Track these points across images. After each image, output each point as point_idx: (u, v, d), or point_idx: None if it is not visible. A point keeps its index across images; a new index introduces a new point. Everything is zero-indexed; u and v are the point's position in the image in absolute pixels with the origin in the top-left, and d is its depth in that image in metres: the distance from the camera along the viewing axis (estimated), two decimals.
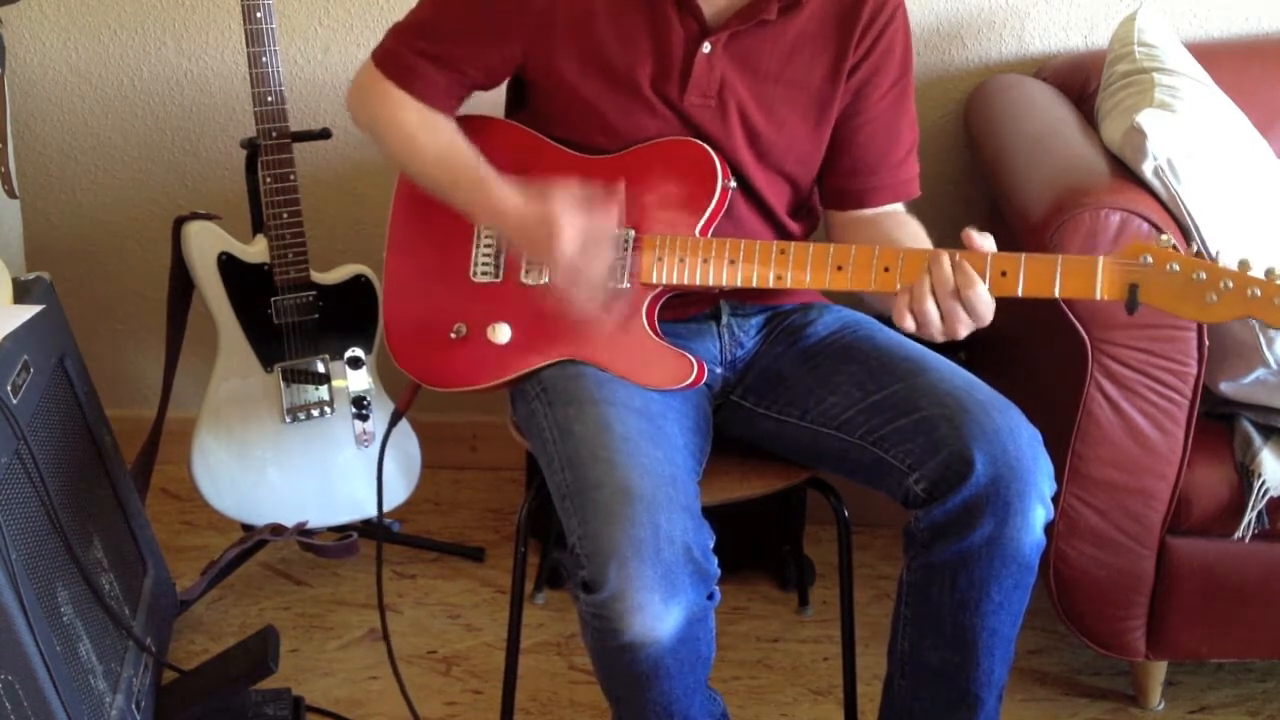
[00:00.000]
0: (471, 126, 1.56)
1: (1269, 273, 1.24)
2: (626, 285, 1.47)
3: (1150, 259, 1.27)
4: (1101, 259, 1.29)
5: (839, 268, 1.40)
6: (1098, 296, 1.30)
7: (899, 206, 1.59)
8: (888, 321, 1.61)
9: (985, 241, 1.33)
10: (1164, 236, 1.29)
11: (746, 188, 1.53)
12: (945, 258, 1.32)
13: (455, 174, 1.51)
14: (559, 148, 1.53)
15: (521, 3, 1.47)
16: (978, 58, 2.23)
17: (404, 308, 1.60)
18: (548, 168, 1.52)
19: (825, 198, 1.60)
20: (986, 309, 1.32)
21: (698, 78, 1.47)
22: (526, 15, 1.47)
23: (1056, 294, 1.31)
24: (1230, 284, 1.25)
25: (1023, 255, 1.32)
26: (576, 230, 1.38)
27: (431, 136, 1.53)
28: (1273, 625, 1.74)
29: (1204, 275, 1.26)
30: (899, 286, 1.36)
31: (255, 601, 2.13)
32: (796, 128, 1.52)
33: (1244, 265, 1.25)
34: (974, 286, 1.31)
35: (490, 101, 1.62)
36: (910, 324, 1.35)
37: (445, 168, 1.52)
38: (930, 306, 1.32)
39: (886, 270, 1.37)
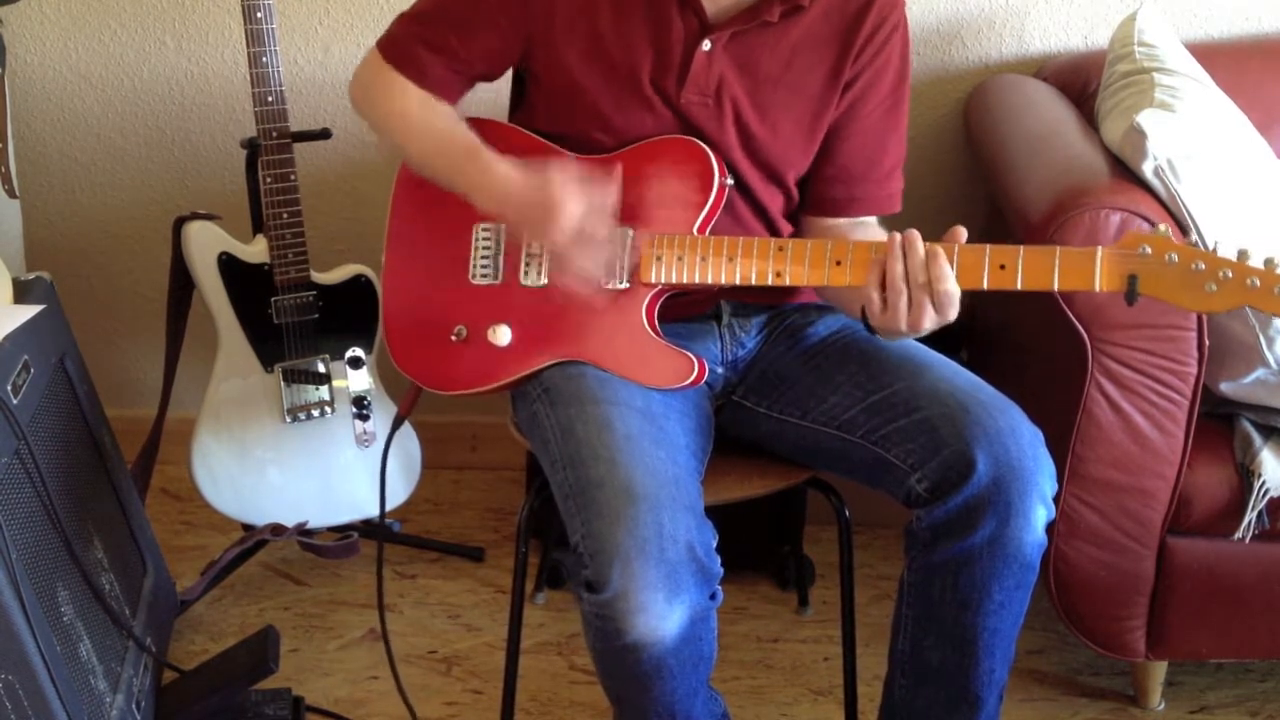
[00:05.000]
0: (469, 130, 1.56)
1: (1268, 262, 1.24)
2: (626, 285, 1.47)
3: (1149, 249, 1.27)
4: (1100, 250, 1.29)
5: (838, 263, 1.39)
6: (1096, 288, 1.29)
7: (874, 219, 1.59)
8: None
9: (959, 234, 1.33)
10: (1161, 226, 1.29)
11: (742, 188, 1.53)
12: (920, 246, 1.32)
13: (455, 158, 1.50)
14: (556, 148, 1.53)
15: None
16: (978, 58, 2.23)
17: (404, 312, 1.60)
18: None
19: (805, 202, 1.59)
20: (953, 306, 1.32)
21: (696, 75, 1.47)
22: (529, 5, 1.47)
23: (1055, 286, 1.30)
24: (1229, 274, 1.25)
25: (1021, 248, 1.31)
26: (576, 208, 1.38)
27: (432, 121, 1.53)
28: (1273, 625, 1.74)
29: (1203, 265, 1.26)
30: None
31: (255, 601, 2.13)
32: (790, 132, 1.52)
33: (1243, 255, 1.25)
34: (945, 281, 1.30)
35: (491, 103, 1.62)
36: (877, 301, 1.34)
37: (445, 153, 1.51)
38: (902, 293, 1.32)
39: None
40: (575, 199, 1.38)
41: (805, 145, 1.54)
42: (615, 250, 1.43)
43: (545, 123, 1.54)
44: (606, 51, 1.47)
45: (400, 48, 1.54)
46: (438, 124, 1.53)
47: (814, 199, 1.58)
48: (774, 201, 1.56)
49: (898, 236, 1.33)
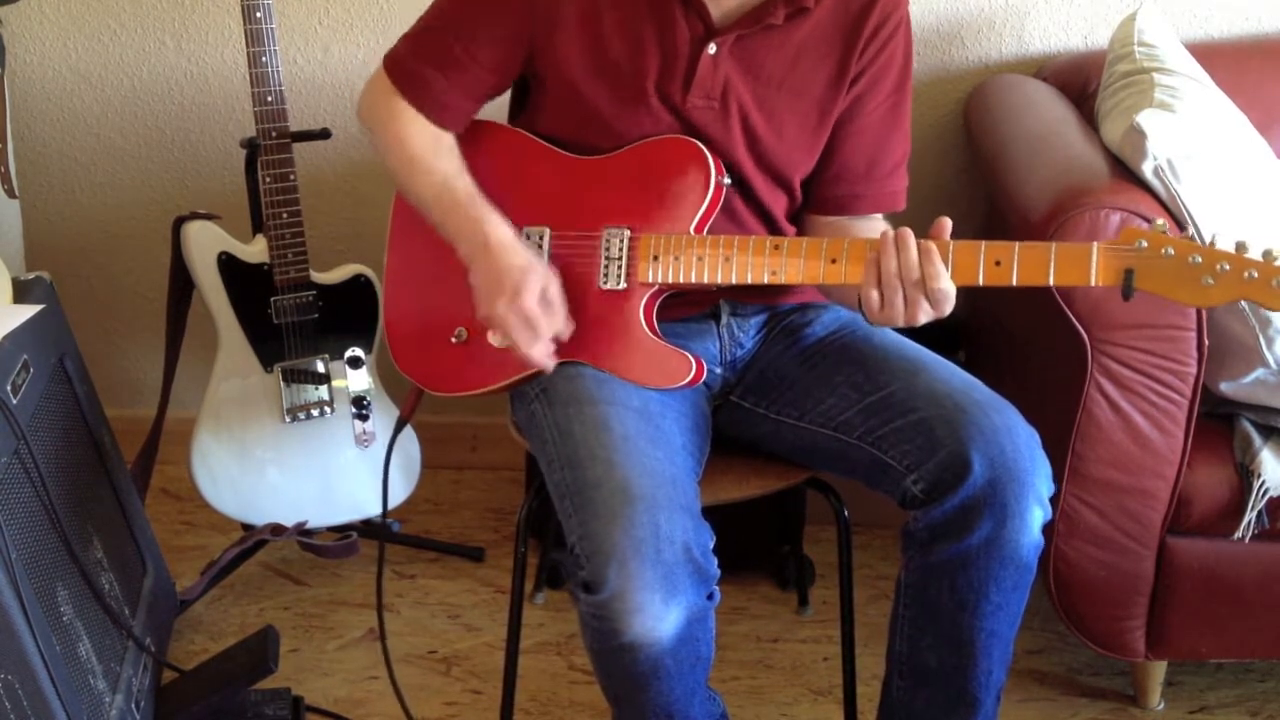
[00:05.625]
0: (467, 131, 1.56)
1: (1266, 254, 1.23)
2: (623, 286, 1.47)
3: (1145, 244, 1.26)
4: (1096, 245, 1.28)
5: (833, 260, 1.39)
6: (1093, 283, 1.28)
7: (879, 217, 1.59)
8: None
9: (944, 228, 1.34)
10: (1158, 221, 1.28)
11: (747, 191, 1.53)
12: (913, 243, 1.32)
13: (447, 204, 1.50)
14: (554, 150, 1.53)
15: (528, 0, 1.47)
16: (978, 58, 2.23)
17: (405, 314, 1.60)
18: (542, 170, 1.52)
19: (809, 200, 1.59)
20: (948, 302, 1.32)
21: (702, 78, 1.47)
22: (533, 11, 1.47)
23: (1051, 282, 1.29)
24: (1226, 267, 1.24)
25: (1016, 244, 1.31)
26: (535, 307, 1.40)
27: (435, 164, 1.52)
28: (1273, 625, 1.74)
29: (1200, 259, 1.24)
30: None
31: (255, 601, 2.13)
32: (796, 134, 1.52)
33: (1241, 248, 1.24)
34: (939, 280, 1.30)
35: (491, 103, 1.61)
36: (875, 299, 1.34)
37: (439, 197, 1.51)
38: (898, 290, 1.32)
39: None
40: (536, 300, 1.41)
41: (811, 146, 1.54)
42: (545, 349, 1.44)
43: (546, 125, 1.54)
44: (610, 56, 1.47)
45: (405, 67, 1.53)
46: (439, 165, 1.52)
47: (817, 197, 1.58)
48: (778, 204, 1.56)
49: (890, 234, 1.33)
